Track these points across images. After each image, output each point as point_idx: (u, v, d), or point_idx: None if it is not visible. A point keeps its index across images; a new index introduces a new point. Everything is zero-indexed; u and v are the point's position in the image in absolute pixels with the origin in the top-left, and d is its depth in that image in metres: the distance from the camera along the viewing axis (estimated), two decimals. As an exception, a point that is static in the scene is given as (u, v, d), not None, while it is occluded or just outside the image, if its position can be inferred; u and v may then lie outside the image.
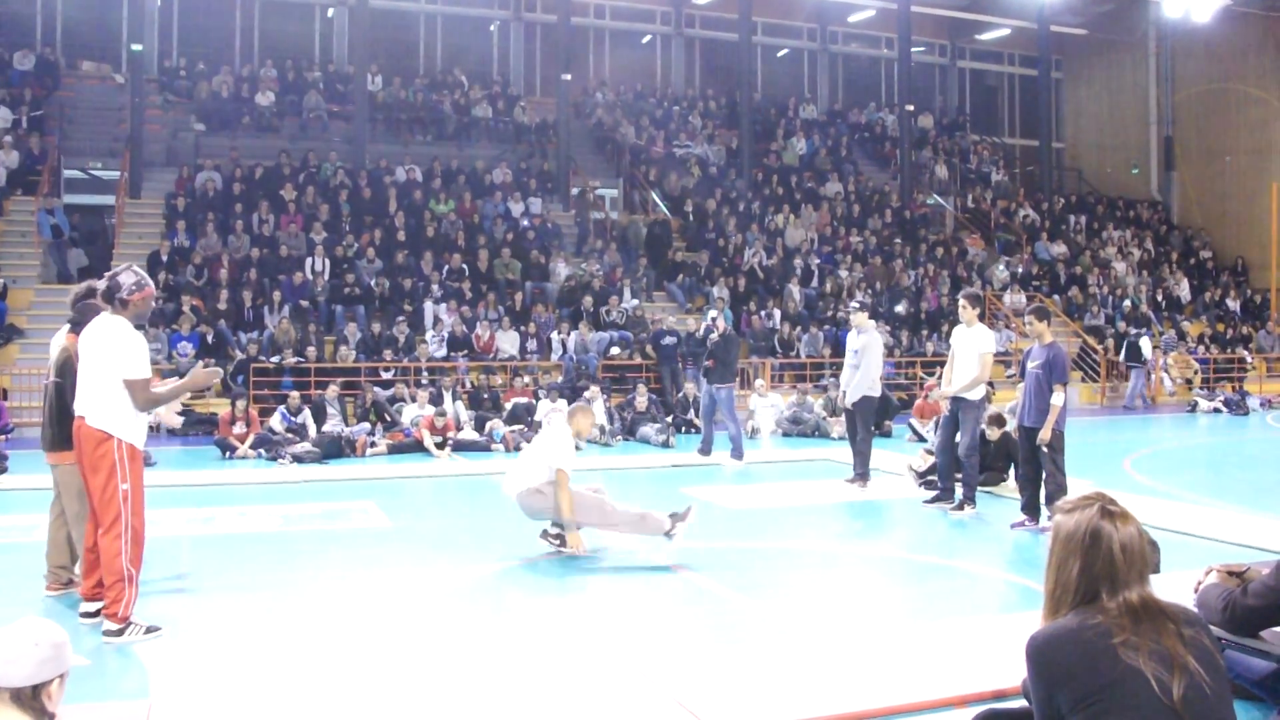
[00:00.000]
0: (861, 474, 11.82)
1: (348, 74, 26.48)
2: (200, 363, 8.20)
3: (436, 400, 16.25)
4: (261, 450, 14.39)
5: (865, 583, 7.99)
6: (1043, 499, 9.35)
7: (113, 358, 6.07)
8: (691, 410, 17.49)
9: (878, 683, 5.23)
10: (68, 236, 20.89)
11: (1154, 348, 25.01)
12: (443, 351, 19.05)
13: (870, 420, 12.03)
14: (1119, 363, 24.12)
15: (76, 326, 6.77)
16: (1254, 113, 31.03)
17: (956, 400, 10.27)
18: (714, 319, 14.84)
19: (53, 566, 7.11)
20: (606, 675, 5.47)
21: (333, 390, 16.28)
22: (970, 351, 10.19)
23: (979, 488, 10.50)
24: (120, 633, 6.04)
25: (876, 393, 11.91)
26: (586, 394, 16.89)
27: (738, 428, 14.06)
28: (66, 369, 6.72)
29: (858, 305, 12.18)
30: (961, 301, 10.58)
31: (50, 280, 19.94)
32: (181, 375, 8.46)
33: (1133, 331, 24.27)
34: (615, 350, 19.98)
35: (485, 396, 17.78)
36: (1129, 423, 20.45)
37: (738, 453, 13.84)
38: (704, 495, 11.06)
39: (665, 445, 15.88)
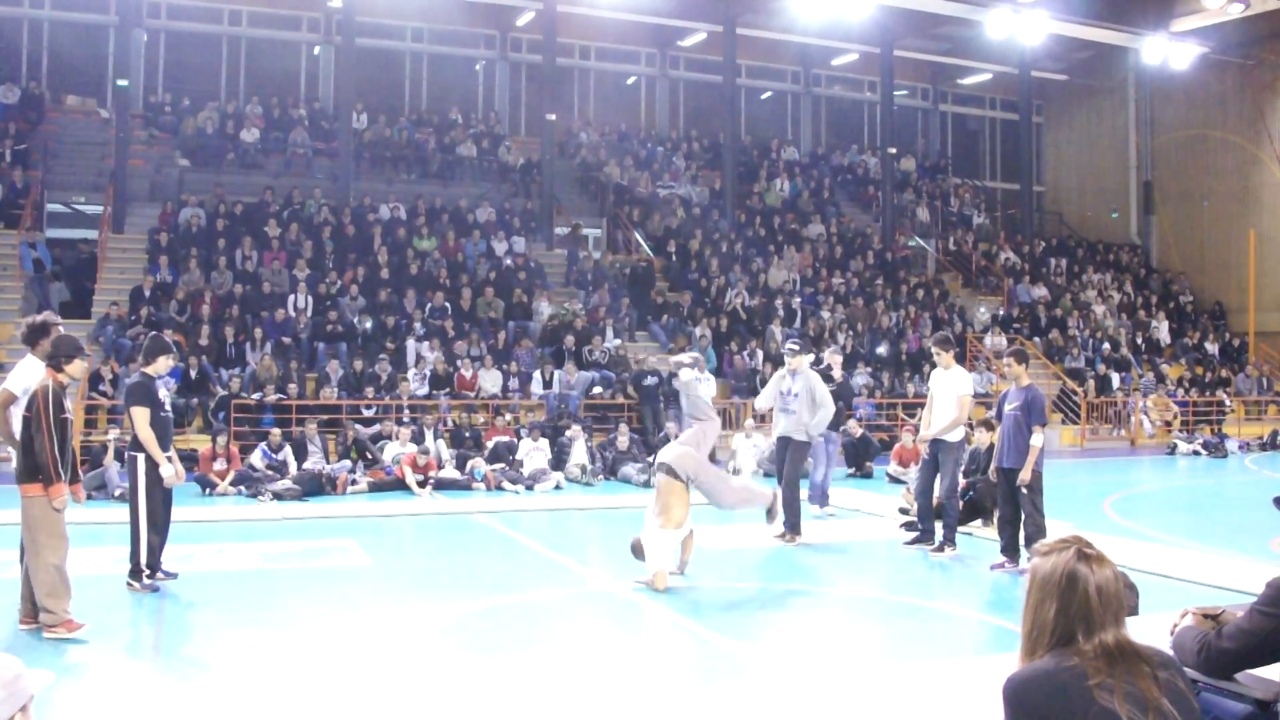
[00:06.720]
0: (791, 524, 11.02)
1: (333, 111, 26.60)
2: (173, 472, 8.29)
3: (418, 438, 16.22)
4: (242, 487, 14.32)
5: (845, 623, 7.99)
6: (1022, 541, 9.37)
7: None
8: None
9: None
10: (50, 270, 20.86)
11: (1134, 389, 25.22)
12: (425, 389, 19.01)
13: (802, 463, 11.53)
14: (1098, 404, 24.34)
15: (53, 361, 6.99)
16: (1232, 158, 31.42)
17: (936, 442, 10.32)
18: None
19: (26, 600, 7.07)
20: (588, 717, 5.45)
21: (311, 428, 16.24)
22: (948, 394, 10.26)
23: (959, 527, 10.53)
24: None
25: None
26: (569, 432, 16.91)
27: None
28: (32, 403, 6.85)
29: (796, 348, 11.35)
30: (934, 348, 10.64)
31: (31, 314, 19.80)
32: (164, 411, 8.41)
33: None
34: (597, 390, 19.98)
35: (467, 435, 17.74)
36: (1109, 465, 20.53)
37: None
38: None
39: (647, 485, 15.80)
